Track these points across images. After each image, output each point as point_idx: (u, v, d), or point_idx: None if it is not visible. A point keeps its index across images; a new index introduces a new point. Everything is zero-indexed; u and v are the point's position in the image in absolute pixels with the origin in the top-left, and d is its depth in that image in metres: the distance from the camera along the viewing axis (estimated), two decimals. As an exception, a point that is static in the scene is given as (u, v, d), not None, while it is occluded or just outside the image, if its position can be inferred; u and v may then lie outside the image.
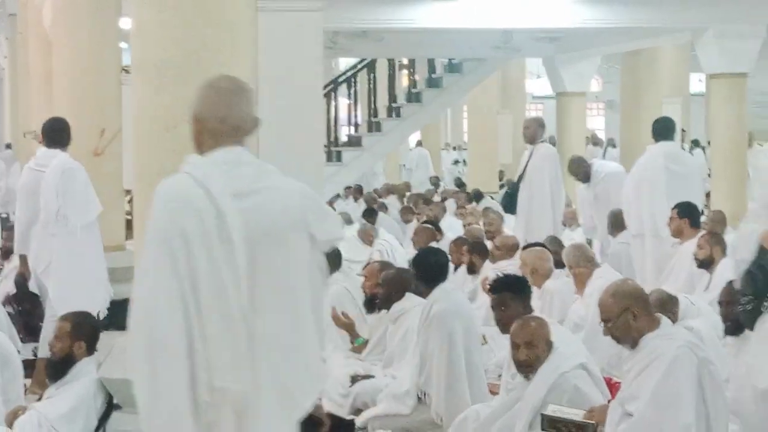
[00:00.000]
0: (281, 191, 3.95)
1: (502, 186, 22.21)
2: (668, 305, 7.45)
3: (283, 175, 4.02)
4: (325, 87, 18.12)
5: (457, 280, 10.81)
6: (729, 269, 9.73)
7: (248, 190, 3.88)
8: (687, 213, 9.99)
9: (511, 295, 6.84)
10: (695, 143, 26.00)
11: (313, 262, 4.00)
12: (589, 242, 12.34)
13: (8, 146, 23.63)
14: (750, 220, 5.26)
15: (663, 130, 10.43)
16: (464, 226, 14.60)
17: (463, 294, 8.85)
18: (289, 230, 3.91)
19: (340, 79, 19.44)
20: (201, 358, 3.77)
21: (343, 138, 19.27)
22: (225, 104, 3.97)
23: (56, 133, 9.19)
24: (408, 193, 21.91)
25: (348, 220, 15.25)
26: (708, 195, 14.30)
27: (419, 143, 31.49)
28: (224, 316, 3.76)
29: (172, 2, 6.25)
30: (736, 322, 6.92)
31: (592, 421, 5.81)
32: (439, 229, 13.24)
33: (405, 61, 21.48)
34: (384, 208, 17.83)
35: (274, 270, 3.87)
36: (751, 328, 5.06)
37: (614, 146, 26.52)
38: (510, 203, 12.19)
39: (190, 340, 3.77)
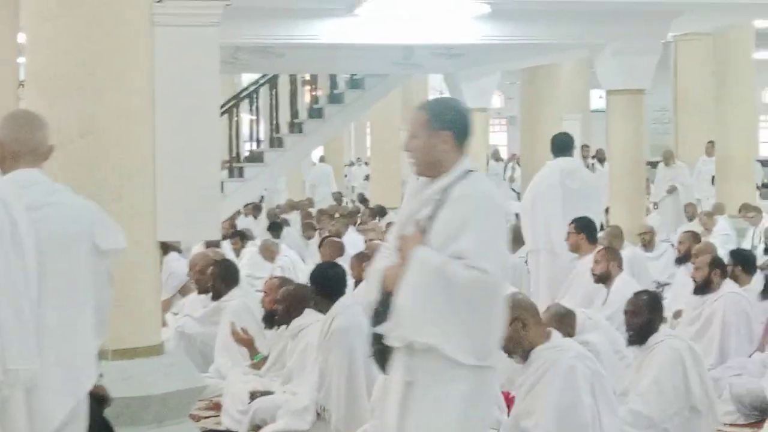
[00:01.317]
0: (69, 206, 4.58)
1: (404, 202, 22.18)
2: (565, 320, 7.50)
3: (73, 193, 4.65)
4: (228, 102, 18.05)
5: (358, 295, 10.80)
6: (626, 284, 9.87)
7: (40, 204, 4.47)
8: (584, 228, 10.05)
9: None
10: (600, 157, 25.88)
11: (98, 267, 4.60)
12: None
13: None
14: (395, 236, 4.60)
15: (561, 145, 10.49)
16: (365, 241, 14.61)
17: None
18: (74, 239, 4.51)
19: (242, 95, 19.35)
20: None
21: (245, 154, 19.17)
22: (24, 131, 4.58)
23: None
24: (311, 209, 21.85)
25: (249, 237, 15.15)
26: (607, 210, 14.42)
27: (322, 159, 31.43)
28: (15, 309, 4.25)
29: (65, 14, 6.18)
30: (639, 332, 7.01)
31: None
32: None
33: (307, 77, 21.44)
34: (286, 224, 17.76)
35: (59, 272, 4.46)
36: (384, 370, 4.58)
37: (518, 164, 26.48)
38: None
39: None
